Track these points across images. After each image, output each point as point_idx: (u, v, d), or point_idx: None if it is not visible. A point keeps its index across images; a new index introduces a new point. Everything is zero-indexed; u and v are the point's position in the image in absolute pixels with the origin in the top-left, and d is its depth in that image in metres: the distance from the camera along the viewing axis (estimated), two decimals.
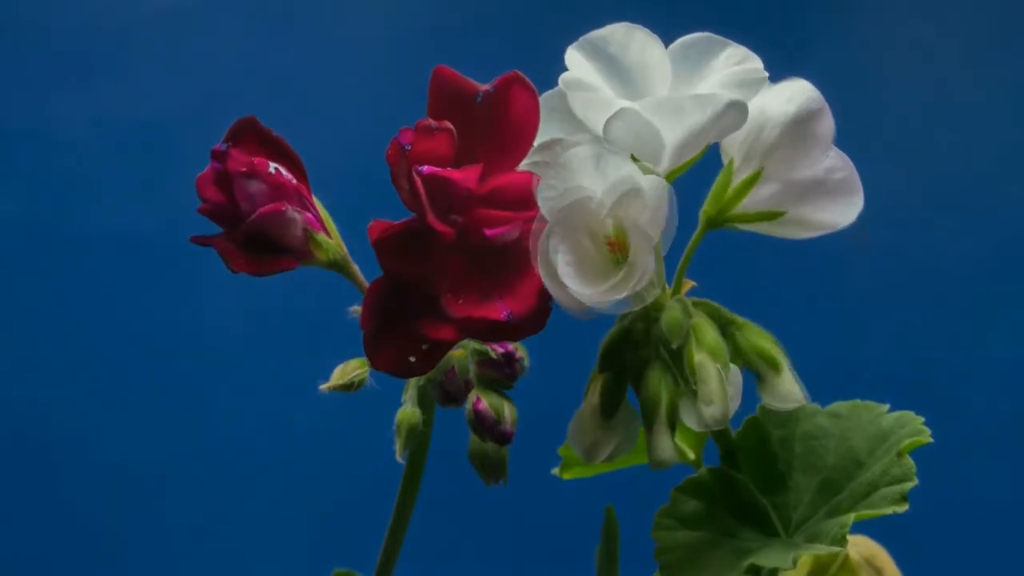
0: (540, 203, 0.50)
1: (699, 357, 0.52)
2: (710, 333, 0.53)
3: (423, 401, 0.59)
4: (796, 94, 0.53)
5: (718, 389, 0.52)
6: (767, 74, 0.53)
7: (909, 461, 0.56)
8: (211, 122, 1.38)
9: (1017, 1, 1.39)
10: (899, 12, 1.40)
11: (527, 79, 0.53)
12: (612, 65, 0.53)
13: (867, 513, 0.55)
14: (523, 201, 0.52)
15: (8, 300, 1.35)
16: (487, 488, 0.60)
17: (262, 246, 0.55)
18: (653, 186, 0.49)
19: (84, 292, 1.35)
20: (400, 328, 0.52)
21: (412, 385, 0.59)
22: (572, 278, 0.49)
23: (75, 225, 1.36)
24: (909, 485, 0.55)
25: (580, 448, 0.56)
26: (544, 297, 0.51)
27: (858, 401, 0.60)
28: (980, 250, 1.31)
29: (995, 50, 1.39)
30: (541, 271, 0.50)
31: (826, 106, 0.54)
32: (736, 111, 0.50)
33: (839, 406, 0.60)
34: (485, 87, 0.53)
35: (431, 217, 0.51)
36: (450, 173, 0.51)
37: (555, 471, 0.69)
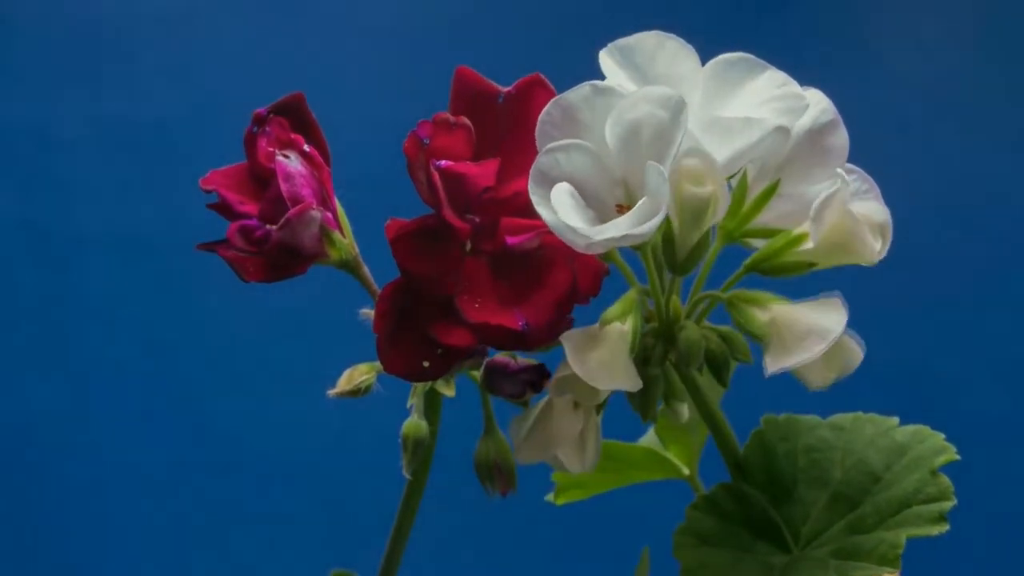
0: (543, 164, 0.50)
1: (766, 315, 0.52)
2: (759, 293, 0.53)
3: (429, 410, 0.58)
4: (810, 106, 0.53)
5: (811, 328, 0.51)
6: (808, 102, 0.52)
7: (945, 480, 0.55)
8: (211, 122, 1.39)
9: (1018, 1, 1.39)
10: (900, 12, 1.40)
11: (548, 81, 0.53)
12: (639, 74, 0.52)
13: (913, 532, 0.54)
14: None
15: (8, 300, 1.35)
16: (490, 494, 0.60)
17: (283, 251, 0.55)
18: (660, 118, 0.49)
19: (84, 292, 1.35)
20: (414, 332, 0.51)
21: (418, 393, 0.58)
22: (577, 221, 0.49)
23: (75, 225, 1.36)
24: (948, 505, 0.55)
25: (520, 433, 0.55)
26: (561, 310, 0.50)
27: (860, 413, 0.60)
28: (979, 251, 1.31)
29: (996, 49, 1.39)
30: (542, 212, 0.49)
31: (839, 118, 0.53)
32: (781, 135, 0.50)
33: (841, 418, 0.60)
34: (506, 89, 0.53)
35: (447, 211, 0.51)
36: (467, 168, 0.51)
37: (548, 497, 0.69)
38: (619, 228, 0.48)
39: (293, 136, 0.55)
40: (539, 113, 0.53)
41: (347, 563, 0.69)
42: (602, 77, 0.53)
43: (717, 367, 0.53)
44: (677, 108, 0.49)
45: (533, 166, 0.50)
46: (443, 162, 0.51)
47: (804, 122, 0.53)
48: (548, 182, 0.49)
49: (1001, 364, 1.31)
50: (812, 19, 1.39)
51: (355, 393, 0.57)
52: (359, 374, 0.57)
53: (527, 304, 0.50)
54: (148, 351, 1.34)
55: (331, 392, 0.57)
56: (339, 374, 0.58)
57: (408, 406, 0.58)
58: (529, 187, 0.49)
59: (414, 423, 0.58)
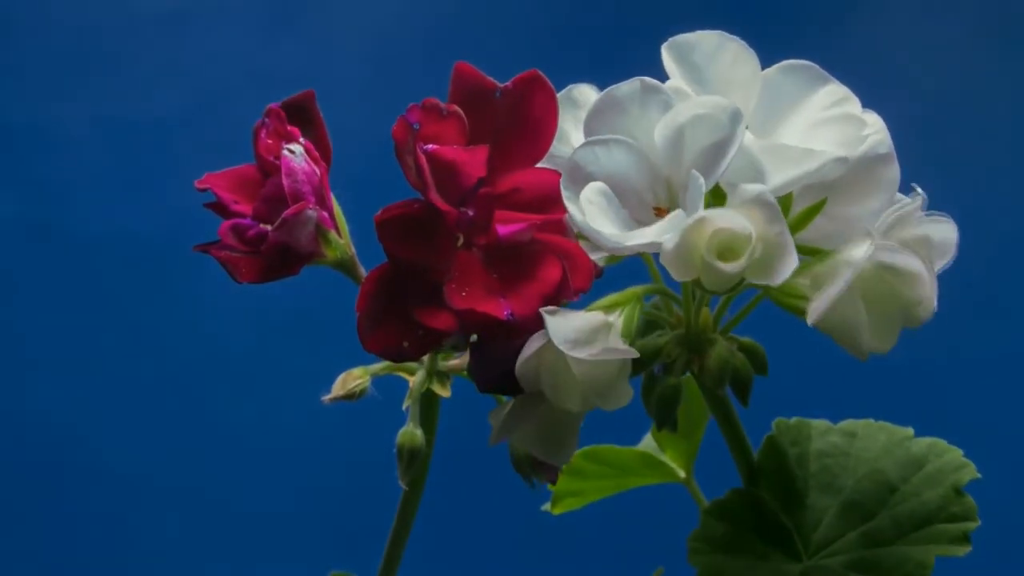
0: (580, 162, 0.49)
1: (807, 279, 0.50)
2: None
3: (425, 412, 0.58)
4: (868, 133, 0.52)
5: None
6: (868, 134, 0.51)
7: (970, 500, 0.55)
8: (211, 122, 1.39)
9: (1018, 1, 1.39)
10: (901, 11, 1.40)
11: (546, 79, 0.53)
12: (696, 73, 0.51)
13: (937, 551, 0.54)
14: (541, 202, 0.52)
15: (8, 300, 1.35)
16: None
17: (279, 251, 0.54)
18: (717, 128, 0.48)
19: (84, 292, 1.35)
20: (397, 314, 0.51)
21: (414, 395, 0.58)
22: (608, 226, 0.48)
23: (75, 225, 1.36)
24: (972, 526, 0.54)
25: (499, 416, 0.53)
26: (548, 303, 0.50)
27: (871, 421, 0.59)
28: (980, 250, 1.31)
29: (996, 49, 1.39)
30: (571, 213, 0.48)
31: (894, 152, 0.52)
32: (838, 165, 0.49)
33: (852, 424, 0.59)
34: (503, 84, 0.53)
35: (433, 194, 0.51)
36: (456, 154, 0.51)
37: (545, 507, 0.69)
38: (646, 236, 0.47)
39: (290, 128, 0.55)
40: (537, 109, 0.53)
41: (346, 565, 0.69)
42: (602, 80, 0.52)
43: (742, 387, 0.52)
44: (735, 121, 0.48)
45: (568, 159, 0.49)
46: (430, 146, 0.51)
47: (859, 148, 0.51)
48: (582, 178, 0.49)
49: (1005, 368, 1.31)
50: (812, 21, 1.39)
51: (349, 397, 0.56)
52: (353, 379, 0.57)
53: (514, 295, 0.50)
54: (148, 351, 1.34)
55: (326, 398, 0.57)
56: (338, 374, 0.58)
57: (404, 408, 0.58)
58: (561, 182, 0.49)
59: (409, 432, 0.57)
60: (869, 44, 1.38)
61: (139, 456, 1.32)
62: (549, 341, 0.49)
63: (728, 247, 0.48)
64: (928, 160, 0.52)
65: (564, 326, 0.49)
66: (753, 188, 0.47)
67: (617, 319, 0.51)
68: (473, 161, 0.51)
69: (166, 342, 1.34)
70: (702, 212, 0.47)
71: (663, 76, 0.52)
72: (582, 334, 0.49)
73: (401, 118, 0.51)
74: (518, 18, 1.39)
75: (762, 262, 0.47)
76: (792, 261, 0.47)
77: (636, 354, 0.50)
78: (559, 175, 0.52)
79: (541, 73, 0.53)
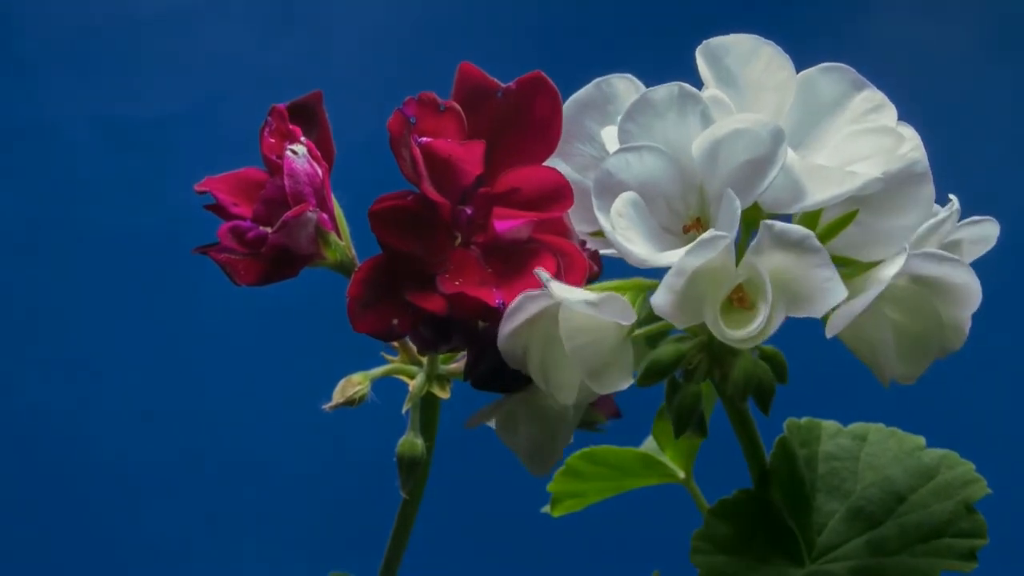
0: (612, 167, 0.48)
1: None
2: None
3: (425, 419, 0.58)
4: (904, 147, 0.51)
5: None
6: (906, 151, 0.51)
7: (981, 517, 0.55)
8: (211, 122, 1.38)
9: (1018, 1, 1.39)
10: (901, 12, 1.40)
11: (550, 80, 0.53)
12: (730, 77, 0.51)
13: (944, 565, 0.54)
14: (540, 200, 0.52)
15: (8, 300, 1.35)
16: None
17: (279, 253, 0.54)
18: (758, 146, 0.47)
19: (84, 292, 1.35)
20: (390, 298, 0.51)
21: (414, 398, 0.58)
22: (635, 245, 0.47)
23: (75, 225, 1.36)
24: (980, 543, 0.54)
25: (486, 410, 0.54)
26: None
27: (882, 426, 0.59)
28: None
29: (996, 50, 1.39)
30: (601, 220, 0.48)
31: (929, 172, 0.51)
32: (876, 183, 0.49)
33: (862, 428, 0.59)
34: (506, 85, 0.53)
35: (427, 185, 0.51)
36: (452, 148, 0.51)
37: (545, 509, 0.69)
38: (676, 258, 0.47)
39: (292, 127, 0.55)
40: (539, 110, 0.53)
41: (346, 565, 0.69)
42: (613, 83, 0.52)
43: (764, 399, 0.51)
44: (776, 140, 0.47)
45: (600, 168, 0.49)
46: (424, 138, 0.51)
47: (897, 166, 0.51)
48: (613, 186, 0.48)
49: (1007, 372, 1.31)
50: (812, 21, 1.39)
51: (350, 404, 0.56)
52: (352, 385, 0.57)
53: (507, 287, 0.50)
54: (149, 352, 1.34)
55: (327, 406, 0.56)
56: (339, 377, 0.58)
57: (404, 412, 0.58)
58: (592, 190, 0.48)
59: (409, 442, 0.57)
60: (869, 44, 1.38)
61: (138, 457, 1.32)
62: (539, 312, 0.49)
63: (743, 290, 0.48)
64: (928, 160, 0.52)
65: (562, 286, 0.49)
66: (796, 232, 0.46)
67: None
68: (469, 157, 0.51)
69: (166, 342, 1.34)
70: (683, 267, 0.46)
71: (670, 76, 0.52)
72: (582, 295, 0.48)
73: (397, 111, 0.52)
74: (520, 19, 1.39)
75: (801, 299, 0.47)
76: (839, 294, 0.46)
77: (634, 317, 0.49)
78: (559, 173, 0.52)
79: (544, 74, 0.53)
